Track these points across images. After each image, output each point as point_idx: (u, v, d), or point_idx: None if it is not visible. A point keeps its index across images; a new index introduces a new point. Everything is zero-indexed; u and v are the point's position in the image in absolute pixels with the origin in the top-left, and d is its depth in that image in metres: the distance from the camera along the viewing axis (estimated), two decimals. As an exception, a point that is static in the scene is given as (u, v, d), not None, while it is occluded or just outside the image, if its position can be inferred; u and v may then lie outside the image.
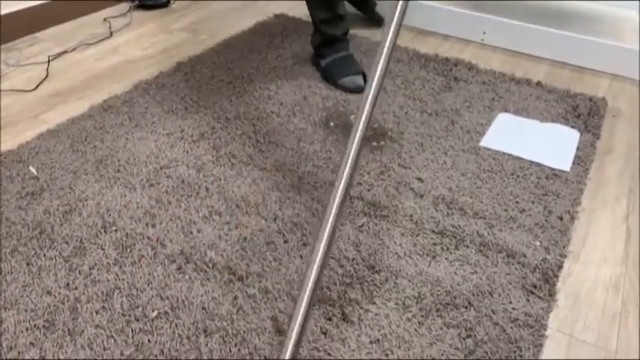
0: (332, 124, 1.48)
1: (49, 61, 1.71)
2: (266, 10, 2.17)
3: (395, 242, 1.13)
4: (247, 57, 1.82)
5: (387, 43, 0.97)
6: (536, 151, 1.42)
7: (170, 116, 1.49)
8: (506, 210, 1.23)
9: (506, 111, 1.62)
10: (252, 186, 1.25)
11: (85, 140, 1.37)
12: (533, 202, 1.25)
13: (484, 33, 2.06)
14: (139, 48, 1.86)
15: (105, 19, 2.01)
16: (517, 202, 1.25)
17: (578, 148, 1.45)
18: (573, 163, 1.40)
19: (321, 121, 1.50)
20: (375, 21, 2.11)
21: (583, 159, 1.41)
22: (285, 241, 1.11)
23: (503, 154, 1.42)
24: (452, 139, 1.47)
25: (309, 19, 1.77)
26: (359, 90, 1.67)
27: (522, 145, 1.45)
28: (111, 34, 1.93)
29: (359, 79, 1.69)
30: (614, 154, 1.48)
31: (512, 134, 1.50)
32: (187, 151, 1.35)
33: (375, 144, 1.43)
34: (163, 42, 1.91)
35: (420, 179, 1.31)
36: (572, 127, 1.55)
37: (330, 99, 1.61)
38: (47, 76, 1.64)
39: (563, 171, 1.36)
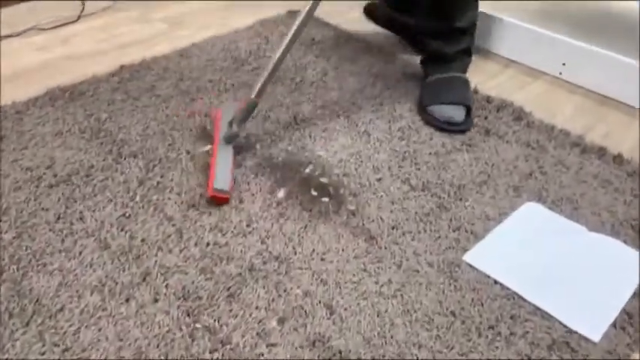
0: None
1: (-26, 48, 1.41)
2: (284, 4, 1.70)
3: None
4: (213, 66, 1.39)
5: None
6: (553, 290, 0.85)
7: (54, 140, 1.10)
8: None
9: (539, 200, 1.04)
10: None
11: None
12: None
13: (564, 64, 1.44)
14: (95, 40, 1.50)
15: (83, -1, 1.67)
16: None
17: (634, 294, 0.86)
18: (614, 325, 0.81)
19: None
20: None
21: (635, 317, 0.82)
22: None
23: (495, 283, 0.86)
24: (428, 242, 0.93)
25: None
26: (449, 127, 1.19)
27: (532, 273, 0.88)
28: (78, 17, 1.59)
29: (455, 111, 1.20)
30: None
31: (527, 245, 0.93)
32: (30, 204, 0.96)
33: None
34: (131, 34, 1.54)
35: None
36: (641, 248, 0.94)
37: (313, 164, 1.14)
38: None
39: (588, 340, 0.79)
